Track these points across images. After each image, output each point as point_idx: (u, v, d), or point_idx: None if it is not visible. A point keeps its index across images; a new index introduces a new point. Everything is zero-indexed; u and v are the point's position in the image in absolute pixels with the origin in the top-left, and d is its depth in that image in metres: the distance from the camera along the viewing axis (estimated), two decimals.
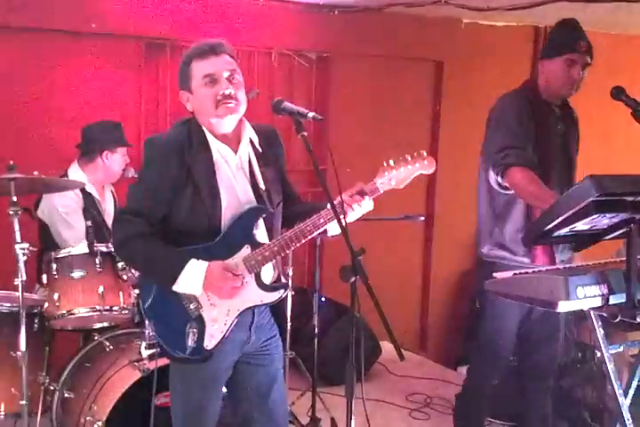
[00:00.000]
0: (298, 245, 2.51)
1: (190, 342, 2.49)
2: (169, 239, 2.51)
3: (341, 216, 2.36)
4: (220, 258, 2.49)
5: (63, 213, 3.80)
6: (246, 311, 2.57)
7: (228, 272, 2.45)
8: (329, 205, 2.39)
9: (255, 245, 2.52)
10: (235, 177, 2.57)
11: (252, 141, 2.62)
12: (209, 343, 2.51)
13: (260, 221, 2.57)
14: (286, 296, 2.68)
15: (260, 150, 2.64)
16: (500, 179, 3.33)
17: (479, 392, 3.76)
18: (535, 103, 3.45)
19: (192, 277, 2.43)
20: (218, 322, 2.52)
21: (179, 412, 2.67)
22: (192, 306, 2.51)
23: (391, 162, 2.58)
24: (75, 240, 3.71)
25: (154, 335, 2.69)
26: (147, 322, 2.63)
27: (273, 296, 2.58)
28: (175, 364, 2.65)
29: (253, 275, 2.53)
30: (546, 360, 3.67)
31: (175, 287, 2.45)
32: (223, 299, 2.49)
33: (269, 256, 2.50)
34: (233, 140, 2.58)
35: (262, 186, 2.59)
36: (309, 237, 2.50)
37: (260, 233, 2.57)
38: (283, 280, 2.70)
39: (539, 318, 3.54)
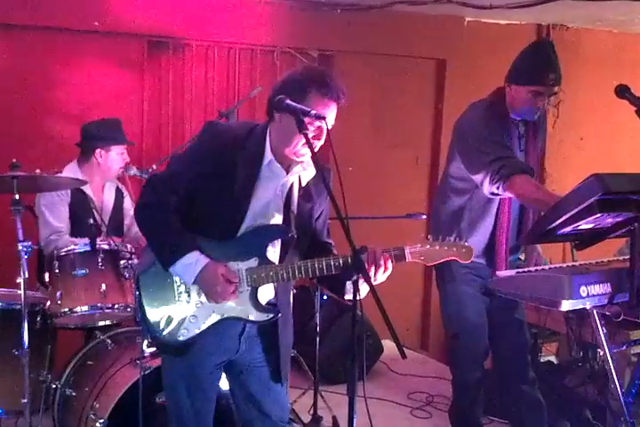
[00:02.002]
0: (304, 277, 2.47)
1: (165, 327, 2.51)
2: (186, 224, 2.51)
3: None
4: (226, 259, 2.49)
5: (44, 205, 3.78)
6: (236, 321, 2.56)
7: (223, 276, 2.44)
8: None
9: (264, 260, 2.50)
10: (274, 193, 2.55)
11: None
12: (182, 335, 2.51)
13: (278, 242, 2.56)
14: (275, 322, 2.60)
15: (305, 184, 2.61)
16: (497, 189, 3.27)
17: (464, 386, 3.74)
18: (502, 119, 3.44)
19: (188, 266, 2.43)
20: (198, 319, 2.52)
21: (169, 405, 2.72)
22: (183, 293, 2.52)
23: (430, 239, 2.50)
24: (45, 233, 3.72)
25: (134, 305, 2.63)
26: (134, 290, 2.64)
27: (261, 316, 2.55)
28: (163, 358, 2.71)
29: (250, 289, 2.51)
30: (516, 352, 3.67)
31: (171, 269, 2.45)
32: (210, 300, 2.48)
33: (273, 277, 2.48)
34: (288, 161, 2.54)
35: (294, 212, 2.58)
36: (317, 275, 2.46)
37: (273, 253, 2.56)
38: (278, 306, 2.62)
39: (500, 308, 3.57)
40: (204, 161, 2.48)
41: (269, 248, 2.53)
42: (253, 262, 2.49)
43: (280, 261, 2.55)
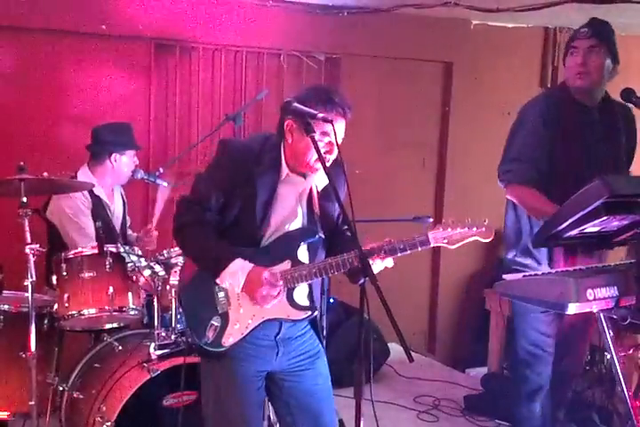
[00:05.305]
0: (337, 273, 2.52)
1: (209, 335, 2.60)
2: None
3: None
4: (261, 265, 2.54)
5: (70, 214, 3.80)
6: (273, 322, 2.62)
7: (267, 279, 2.50)
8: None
9: (296, 262, 2.58)
10: (295, 200, 2.64)
11: None
12: (227, 341, 2.59)
13: (306, 244, 2.63)
14: (315, 318, 2.74)
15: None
16: (503, 187, 3.39)
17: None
18: (563, 105, 3.34)
19: (234, 275, 2.51)
20: (240, 323, 2.59)
21: (207, 411, 2.71)
22: (222, 302, 2.60)
23: (449, 221, 2.54)
24: (84, 242, 3.71)
25: (180, 320, 2.89)
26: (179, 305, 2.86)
27: (299, 314, 2.64)
28: (203, 362, 2.73)
29: (286, 290, 2.58)
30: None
31: (219, 280, 2.54)
32: (255, 303, 2.54)
33: (307, 276, 2.53)
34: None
35: (317, 212, 2.66)
36: (349, 269, 2.50)
37: (303, 254, 2.63)
38: (314, 303, 2.72)
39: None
40: (224, 178, 2.57)
41: (299, 250, 2.61)
42: (287, 265, 2.58)
43: (310, 261, 2.62)
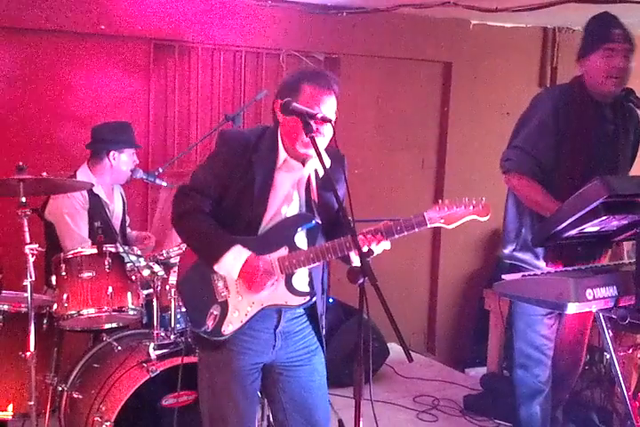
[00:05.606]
0: (334, 257, 2.53)
1: (209, 323, 2.60)
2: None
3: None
4: (258, 251, 2.56)
5: (66, 214, 3.80)
6: (271, 312, 2.63)
7: (264, 267, 2.52)
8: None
9: (293, 248, 2.59)
10: (292, 187, 2.64)
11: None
12: (226, 329, 2.60)
13: (304, 230, 2.63)
14: (313, 304, 2.74)
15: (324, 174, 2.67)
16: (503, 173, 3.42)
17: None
18: (578, 101, 3.31)
19: (233, 261, 2.52)
20: (240, 311, 2.60)
21: (204, 405, 2.72)
22: (221, 290, 2.61)
23: (446, 201, 2.54)
24: (72, 246, 3.70)
25: (180, 310, 2.96)
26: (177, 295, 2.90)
27: (297, 300, 2.65)
28: (200, 356, 2.75)
29: (285, 276, 2.59)
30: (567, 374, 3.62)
31: (216, 267, 2.55)
32: (250, 291, 2.54)
33: (304, 261, 2.55)
34: (302, 156, 2.62)
35: (315, 200, 2.66)
36: (346, 253, 2.51)
37: (301, 240, 2.63)
38: (313, 289, 2.72)
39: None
40: (222, 167, 2.60)
41: (297, 236, 2.61)
42: (284, 251, 2.59)
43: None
